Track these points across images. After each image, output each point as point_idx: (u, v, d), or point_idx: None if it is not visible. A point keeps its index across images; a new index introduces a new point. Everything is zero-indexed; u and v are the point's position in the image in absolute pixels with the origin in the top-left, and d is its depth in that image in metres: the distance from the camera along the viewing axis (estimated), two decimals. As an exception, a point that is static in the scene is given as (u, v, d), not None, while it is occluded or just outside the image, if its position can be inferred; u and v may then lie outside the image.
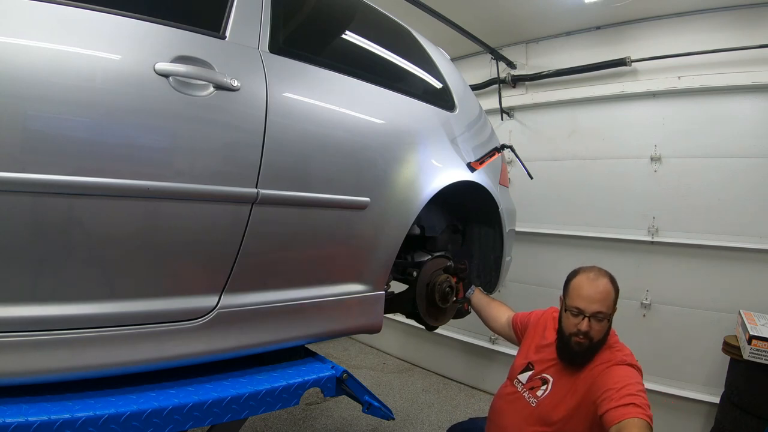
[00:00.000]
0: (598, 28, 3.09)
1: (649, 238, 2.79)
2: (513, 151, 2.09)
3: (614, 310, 1.43)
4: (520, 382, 1.55)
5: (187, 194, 0.98)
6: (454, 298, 1.84)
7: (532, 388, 1.50)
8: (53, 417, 0.81)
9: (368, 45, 1.61)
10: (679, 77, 2.71)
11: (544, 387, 1.47)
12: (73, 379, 0.92)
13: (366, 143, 1.37)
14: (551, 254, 3.16)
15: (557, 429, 1.38)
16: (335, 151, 1.27)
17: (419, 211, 1.49)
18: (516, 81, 3.43)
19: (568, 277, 1.51)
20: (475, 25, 2.99)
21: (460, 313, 2.02)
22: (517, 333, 1.79)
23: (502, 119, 3.48)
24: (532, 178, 2.23)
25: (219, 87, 1.02)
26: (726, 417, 2.24)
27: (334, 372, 1.25)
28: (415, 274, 1.72)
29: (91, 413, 0.85)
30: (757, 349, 2.01)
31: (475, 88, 3.17)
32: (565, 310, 1.46)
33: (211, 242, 1.06)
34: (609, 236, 2.93)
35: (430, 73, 1.85)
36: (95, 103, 0.86)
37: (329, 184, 1.25)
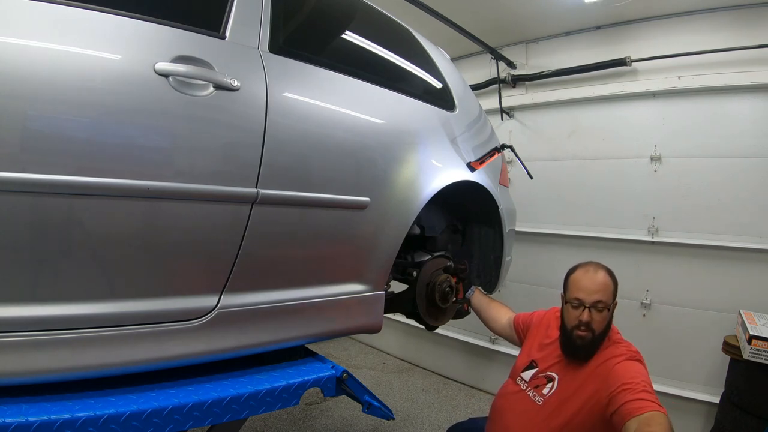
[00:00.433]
0: (598, 28, 3.09)
1: (649, 238, 2.79)
2: (513, 151, 2.09)
3: (614, 302, 1.44)
4: (523, 380, 1.55)
5: (187, 194, 0.98)
6: (454, 299, 1.84)
7: (537, 387, 1.49)
8: (53, 417, 0.81)
9: (368, 45, 1.61)
10: (679, 77, 2.71)
11: (549, 385, 1.47)
12: (73, 379, 0.92)
13: (366, 143, 1.37)
14: (551, 254, 3.16)
15: (565, 426, 1.38)
16: (335, 151, 1.27)
17: (419, 211, 1.49)
18: (516, 81, 3.43)
19: (566, 273, 1.54)
20: (475, 25, 2.98)
21: (460, 314, 2.02)
22: (518, 333, 1.79)
23: (502, 119, 3.48)
24: (532, 178, 2.24)
25: (219, 87, 1.02)
26: (726, 417, 2.24)
27: (334, 372, 1.25)
28: (415, 274, 1.72)
29: (91, 413, 0.85)
30: (757, 349, 2.01)
31: (475, 88, 3.17)
32: (566, 303, 1.48)
33: (211, 242, 1.06)
34: (609, 236, 2.93)
35: (430, 73, 1.85)
36: (95, 103, 0.86)
37: (329, 184, 1.25)
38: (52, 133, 0.83)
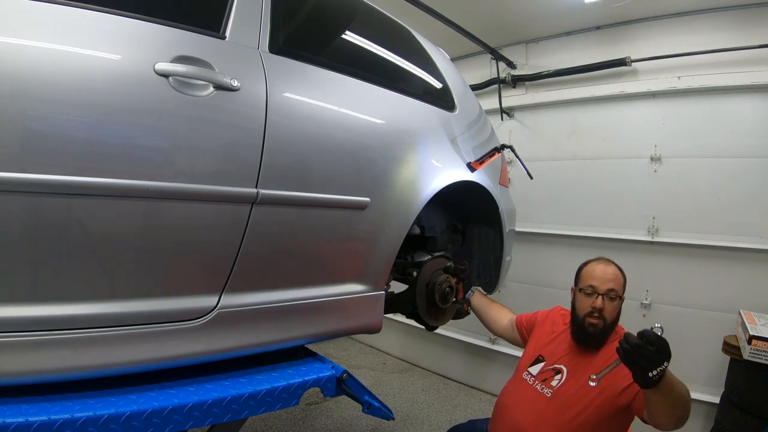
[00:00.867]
0: (598, 28, 3.09)
1: (649, 238, 2.79)
2: (513, 151, 2.09)
3: (623, 297, 1.50)
4: (530, 374, 1.56)
5: (187, 194, 0.98)
6: (454, 299, 1.84)
7: (545, 380, 1.50)
8: (53, 417, 0.81)
9: (368, 45, 1.61)
10: (679, 77, 2.71)
11: (558, 376, 1.48)
12: (74, 379, 0.92)
13: (366, 143, 1.37)
14: (551, 254, 3.16)
15: (578, 416, 1.38)
16: (335, 151, 1.27)
17: (419, 211, 1.49)
18: (516, 81, 3.43)
19: (578, 268, 1.61)
20: (475, 25, 2.99)
21: (460, 314, 2.01)
22: (522, 333, 1.80)
23: (502, 119, 3.48)
24: (532, 178, 2.23)
25: (219, 87, 1.02)
26: (726, 417, 2.24)
27: (334, 372, 1.25)
28: (415, 274, 1.72)
29: (91, 413, 0.85)
30: (757, 349, 2.01)
31: (475, 88, 3.17)
32: (579, 291, 1.54)
33: (211, 242, 1.06)
34: (609, 236, 2.93)
35: (430, 73, 1.85)
36: (95, 103, 0.86)
37: (329, 184, 1.25)
38: (52, 133, 0.83)
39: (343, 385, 1.27)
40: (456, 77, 2.01)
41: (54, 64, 0.82)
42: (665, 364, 1.13)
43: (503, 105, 3.44)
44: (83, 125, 0.86)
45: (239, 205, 1.07)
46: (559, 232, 3.15)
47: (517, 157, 2.14)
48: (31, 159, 0.80)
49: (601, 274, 1.51)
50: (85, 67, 0.86)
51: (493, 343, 3.34)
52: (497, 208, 1.91)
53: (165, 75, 0.95)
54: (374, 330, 1.47)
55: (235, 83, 1.04)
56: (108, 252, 0.93)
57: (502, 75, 3.46)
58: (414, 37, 1.90)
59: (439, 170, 1.59)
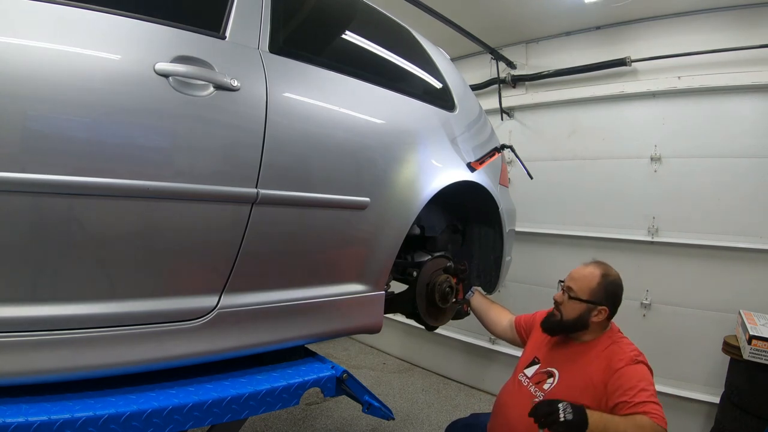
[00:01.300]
0: (598, 28, 3.09)
1: (649, 238, 2.79)
2: (513, 151, 2.09)
3: (597, 306, 1.45)
4: (526, 376, 1.57)
5: (187, 194, 0.98)
6: (454, 299, 1.84)
7: (538, 382, 1.51)
8: (53, 417, 0.81)
9: (368, 45, 1.61)
10: (679, 77, 2.70)
11: (550, 380, 1.48)
12: (74, 379, 0.92)
13: (366, 143, 1.37)
14: (551, 254, 3.16)
15: None
16: (335, 151, 1.27)
17: (419, 211, 1.49)
18: (516, 81, 3.43)
19: None
20: (475, 25, 2.98)
21: (460, 314, 2.01)
22: (521, 334, 1.80)
23: (502, 119, 3.48)
24: (532, 178, 2.23)
25: (219, 87, 1.02)
26: (726, 417, 2.24)
27: (334, 372, 1.25)
28: (415, 274, 1.72)
29: (91, 413, 0.85)
30: (757, 349, 2.01)
31: (475, 88, 3.17)
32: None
33: (211, 242, 1.06)
34: (609, 236, 2.93)
35: (430, 73, 1.85)
36: (95, 103, 0.86)
37: (329, 184, 1.25)
38: (52, 133, 0.83)
39: (343, 385, 1.27)
40: (456, 77, 2.01)
41: (54, 64, 0.82)
42: (560, 409, 1.23)
43: (503, 105, 3.44)
44: (83, 125, 0.86)
45: (239, 205, 1.07)
46: (559, 232, 3.14)
47: (517, 157, 2.14)
48: (31, 159, 0.80)
49: (574, 272, 1.54)
50: (85, 67, 0.86)
51: (493, 343, 3.34)
52: (497, 208, 1.91)
53: (165, 75, 0.95)
54: (374, 330, 1.47)
55: (235, 83, 1.04)
56: (108, 252, 0.93)
57: (502, 75, 3.45)
58: (414, 37, 1.90)
59: (439, 170, 1.59)
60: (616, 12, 2.83)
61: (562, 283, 1.56)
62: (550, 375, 1.49)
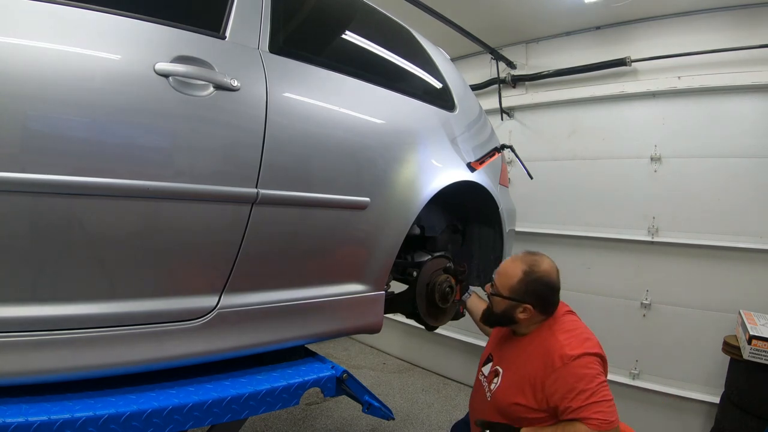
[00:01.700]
0: (598, 28, 3.09)
1: (649, 238, 2.79)
2: (513, 151, 2.09)
3: (515, 299, 1.39)
4: (483, 374, 1.56)
5: (187, 194, 0.98)
6: (453, 299, 1.84)
7: (490, 381, 1.49)
8: (53, 417, 0.81)
9: (368, 45, 1.61)
10: (679, 77, 2.70)
11: (496, 380, 1.46)
12: (74, 379, 0.92)
13: (366, 143, 1.37)
14: (551, 254, 3.11)
15: (509, 415, 1.36)
16: (335, 151, 1.27)
17: (419, 211, 1.49)
18: (516, 81, 3.43)
19: None
20: (475, 25, 2.98)
21: (456, 315, 2.01)
22: None
23: (502, 119, 3.48)
24: (532, 178, 2.23)
25: (219, 87, 1.02)
26: (726, 417, 2.24)
27: (334, 372, 1.25)
28: (415, 274, 1.72)
29: (91, 413, 0.85)
30: (757, 349, 2.01)
31: (475, 88, 3.17)
32: None
33: (211, 242, 1.06)
34: (609, 236, 2.93)
35: (430, 73, 1.85)
36: (95, 103, 0.86)
37: (329, 184, 1.25)
38: (52, 133, 0.83)
39: (343, 385, 1.27)
40: (456, 77, 2.01)
41: (54, 64, 0.82)
42: None
43: (503, 105, 3.44)
44: (83, 125, 0.86)
45: (239, 205, 1.07)
46: (559, 232, 3.14)
47: (517, 157, 2.14)
48: (31, 159, 0.80)
49: (502, 265, 1.51)
50: (86, 67, 0.86)
51: (493, 343, 3.33)
52: (497, 208, 1.91)
53: (165, 75, 0.95)
54: (374, 330, 1.47)
55: (235, 83, 1.04)
56: (108, 252, 0.93)
57: (502, 75, 3.45)
58: (414, 37, 1.90)
59: (439, 170, 1.59)
60: (616, 12, 2.83)
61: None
62: (497, 374, 1.46)
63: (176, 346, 1.02)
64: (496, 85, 3.46)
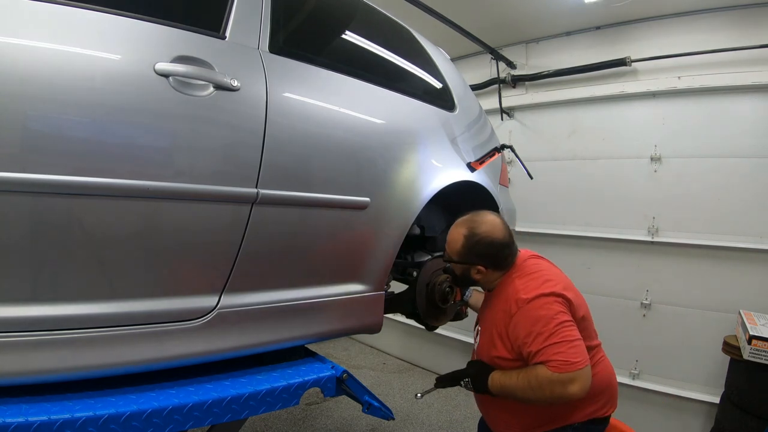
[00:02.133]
0: (598, 28, 3.09)
1: (649, 238, 2.79)
2: (513, 151, 2.09)
3: (466, 263, 1.39)
4: (474, 338, 1.58)
5: (187, 194, 0.98)
6: (452, 300, 1.84)
7: (475, 343, 1.52)
8: (53, 417, 0.81)
9: (368, 45, 1.61)
10: (679, 77, 2.71)
11: (477, 339, 1.50)
12: (74, 379, 0.92)
13: (366, 143, 1.37)
14: (551, 254, 3.12)
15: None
16: (335, 151, 1.27)
17: (419, 211, 1.49)
18: (516, 81, 3.43)
19: None
20: (475, 25, 2.99)
21: (459, 316, 2.01)
22: None
23: (502, 119, 3.48)
24: (532, 178, 2.23)
25: (219, 87, 1.02)
26: (726, 417, 2.24)
27: (334, 372, 1.25)
28: (415, 274, 1.72)
29: (91, 413, 0.85)
30: (757, 349, 2.01)
31: (475, 88, 3.17)
32: None
33: (211, 242, 1.06)
34: (609, 236, 2.93)
35: (430, 73, 1.85)
36: (95, 103, 0.86)
37: (329, 184, 1.25)
38: (52, 133, 0.83)
39: (343, 385, 1.27)
40: (456, 77, 2.01)
41: (54, 64, 0.82)
42: (462, 383, 1.40)
43: (503, 105, 3.44)
44: (83, 125, 0.86)
45: (239, 205, 1.07)
46: (559, 232, 3.15)
47: (517, 157, 2.14)
48: (32, 159, 0.80)
49: (449, 231, 1.44)
50: (86, 67, 0.86)
51: (493, 343, 3.33)
52: (497, 208, 1.91)
53: (165, 75, 0.95)
54: (374, 330, 1.47)
55: (235, 83, 1.04)
56: (108, 252, 0.93)
57: (502, 75, 3.46)
58: (414, 37, 1.90)
59: (439, 170, 1.59)
60: (616, 12, 2.83)
61: None
62: (478, 333, 1.50)
63: (176, 346, 1.02)
64: (496, 85, 3.46)
